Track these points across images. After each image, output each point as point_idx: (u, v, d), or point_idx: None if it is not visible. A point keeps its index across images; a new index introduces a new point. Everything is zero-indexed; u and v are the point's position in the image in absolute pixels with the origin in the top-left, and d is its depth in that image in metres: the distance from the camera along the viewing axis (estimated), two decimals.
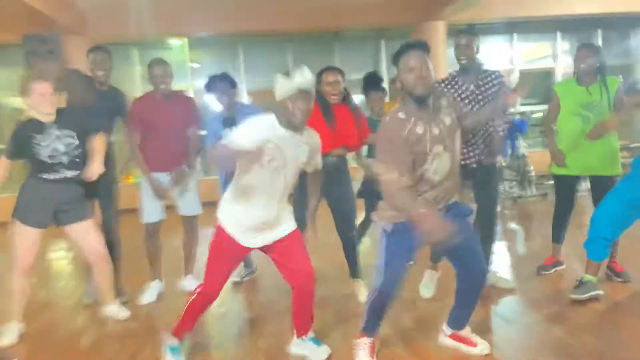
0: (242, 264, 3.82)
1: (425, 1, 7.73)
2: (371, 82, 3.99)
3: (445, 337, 2.67)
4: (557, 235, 3.74)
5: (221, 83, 3.63)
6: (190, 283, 3.68)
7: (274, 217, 2.46)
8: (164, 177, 3.56)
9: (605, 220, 3.04)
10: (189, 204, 3.70)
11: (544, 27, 9.32)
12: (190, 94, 8.39)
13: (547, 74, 9.64)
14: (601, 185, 3.40)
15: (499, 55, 9.52)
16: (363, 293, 3.26)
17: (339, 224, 3.43)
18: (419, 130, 2.24)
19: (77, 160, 3.11)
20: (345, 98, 3.40)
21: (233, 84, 3.70)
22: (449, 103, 2.38)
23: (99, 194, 3.52)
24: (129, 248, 3.86)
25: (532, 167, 6.91)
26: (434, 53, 7.66)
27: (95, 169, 3.12)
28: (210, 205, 3.92)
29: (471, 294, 2.52)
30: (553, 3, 8.30)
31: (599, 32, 9.46)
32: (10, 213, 3.07)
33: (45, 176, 3.05)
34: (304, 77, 2.28)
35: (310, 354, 2.61)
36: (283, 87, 2.30)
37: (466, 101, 3.15)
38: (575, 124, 3.43)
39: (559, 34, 9.43)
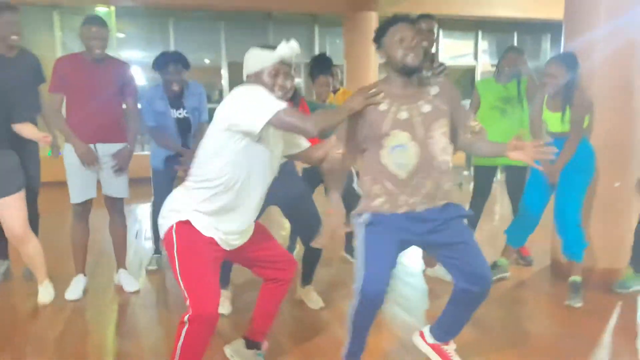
0: None
1: None
2: (320, 65, 3.67)
3: (420, 340, 2.33)
4: (474, 221, 4.10)
5: (175, 64, 3.40)
6: (125, 278, 3.41)
7: (249, 210, 2.04)
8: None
9: (526, 214, 3.39)
10: (115, 184, 3.26)
11: (467, 26, 9.88)
12: None
13: (469, 71, 10.25)
14: (514, 175, 3.81)
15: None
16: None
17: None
18: (383, 106, 2.00)
19: None
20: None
21: (186, 66, 3.47)
22: (443, 91, 2.07)
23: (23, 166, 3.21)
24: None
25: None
26: (365, 44, 8.04)
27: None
28: (139, 182, 3.88)
29: (468, 304, 2.11)
30: (476, 4, 8.84)
31: (515, 34, 10.19)
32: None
33: None
34: (290, 47, 1.93)
35: None
36: (260, 58, 1.96)
37: None
38: (495, 117, 3.78)
39: (480, 33, 10.03)
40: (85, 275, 3.36)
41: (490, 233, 4.57)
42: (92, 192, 3.24)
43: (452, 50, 10.16)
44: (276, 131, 1.95)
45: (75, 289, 3.24)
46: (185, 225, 1.93)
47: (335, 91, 4.07)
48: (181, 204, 1.98)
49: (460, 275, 2.05)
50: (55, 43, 7.82)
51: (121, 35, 8.64)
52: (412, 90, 2.04)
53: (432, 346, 2.28)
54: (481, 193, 4.00)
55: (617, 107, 3.33)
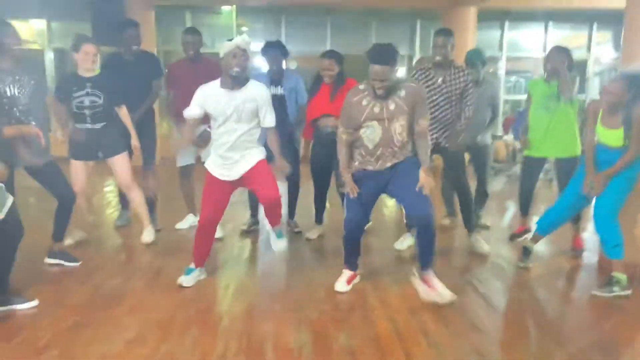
0: (249, 215, 4.56)
1: None
2: (377, 55, 4.13)
3: (413, 276, 3.17)
4: (523, 207, 4.37)
5: (274, 50, 4.14)
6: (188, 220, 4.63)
7: (238, 156, 3.13)
8: None
9: (557, 213, 3.60)
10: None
11: (581, 18, 9.45)
12: None
13: (581, 64, 9.80)
14: (564, 166, 3.98)
15: (532, 42, 9.73)
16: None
17: (336, 181, 4.06)
18: (364, 102, 2.98)
19: (100, 115, 3.85)
20: (338, 77, 3.95)
21: (284, 53, 4.20)
22: (408, 94, 2.95)
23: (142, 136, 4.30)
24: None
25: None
26: (463, 39, 8.32)
27: (135, 143, 4.00)
28: None
29: (422, 235, 3.04)
30: None
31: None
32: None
33: (78, 125, 3.85)
34: (242, 39, 2.97)
35: (271, 239, 3.48)
36: (226, 46, 2.96)
37: (433, 92, 3.73)
38: (540, 113, 4.01)
39: (595, 25, 9.53)
40: (195, 215, 4.48)
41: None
42: (191, 159, 4.38)
43: (563, 42, 9.73)
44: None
45: (186, 223, 4.59)
46: (207, 172, 3.26)
47: None
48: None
49: (405, 206, 3.22)
50: None
51: (245, 29, 9.72)
52: (386, 93, 2.93)
53: (421, 277, 3.12)
54: (526, 180, 4.23)
55: None
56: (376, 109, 2.99)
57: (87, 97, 3.79)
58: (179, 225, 4.57)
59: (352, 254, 3.30)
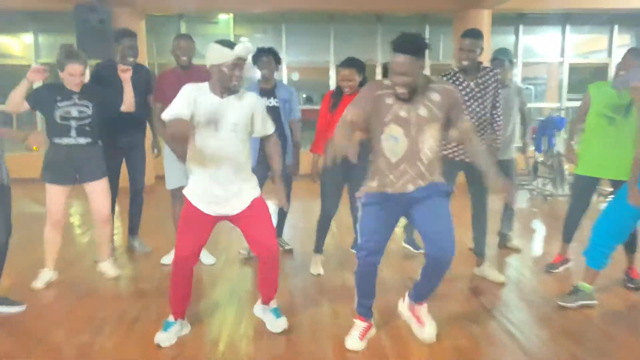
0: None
1: None
2: None
3: (402, 305, 2.83)
4: (567, 234, 3.74)
5: (266, 57, 3.83)
6: (204, 255, 3.96)
7: (234, 188, 2.56)
8: None
9: (606, 229, 3.01)
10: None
11: (600, 20, 8.89)
12: None
13: (601, 69, 9.23)
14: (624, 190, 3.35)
15: (549, 47, 9.19)
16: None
17: (350, 200, 3.73)
18: (389, 100, 2.41)
19: (87, 129, 3.40)
20: (361, 87, 3.57)
21: (277, 60, 3.91)
22: (443, 97, 2.42)
23: (130, 159, 4.05)
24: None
25: (567, 166, 6.72)
26: None
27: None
28: None
29: (433, 270, 2.52)
30: None
31: None
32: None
33: (57, 140, 3.36)
34: (245, 47, 2.41)
35: (268, 323, 2.82)
36: (222, 54, 2.41)
37: (467, 98, 3.31)
38: (600, 124, 3.40)
39: (616, 28, 8.97)
40: None
41: None
42: (183, 181, 3.69)
43: (582, 46, 9.23)
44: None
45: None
46: (186, 200, 2.64)
47: None
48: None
49: (426, 242, 2.48)
50: None
51: (244, 39, 9.20)
52: (413, 93, 2.37)
53: (410, 308, 2.77)
54: (578, 204, 3.64)
55: None
56: (402, 113, 2.40)
57: (74, 107, 3.35)
58: (165, 260, 3.97)
59: (366, 296, 2.67)
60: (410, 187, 2.47)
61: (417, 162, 2.44)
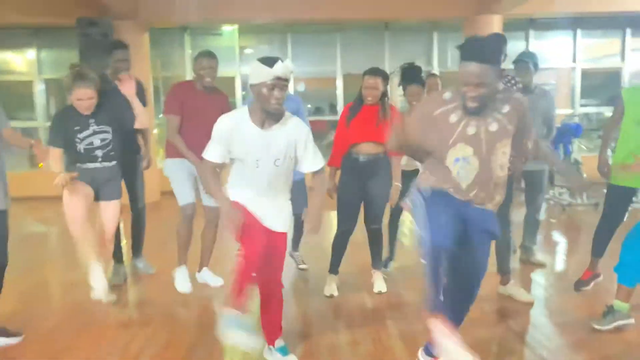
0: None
1: None
2: (410, 75, 3.85)
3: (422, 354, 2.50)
4: (599, 248, 3.51)
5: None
6: (206, 276, 3.77)
7: (270, 208, 2.45)
8: (188, 163, 3.54)
9: (638, 244, 2.80)
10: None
11: (612, 23, 8.71)
12: (237, 79, 8.52)
13: (614, 74, 9.02)
14: None
15: (561, 52, 9.00)
16: (379, 284, 3.62)
17: (366, 216, 3.61)
18: (453, 118, 2.16)
19: (112, 153, 3.29)
20: (382, 98, 3.50)
21: None
22: (513, 109, 2.19)
23: (128, 178, 3.82)
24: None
25: (585, 174, 6.49)
26: None
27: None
28: None
29: (452, 308, 2.25)
30: None
31: None
32: None
33: (82, 166, 3.23)
34: (285, 67, 2.25)
35: None
36: (261, 72, 2.25)
37: None
38: (636, 132, 3.17)
39: (628, 31, 8.77)
40: (186, 266, 3.70)
41: None
42: (193, 197, 3.63)
43: (594, 51, 9.04)
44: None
45: (179, 281, 3.65)
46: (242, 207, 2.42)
47: None
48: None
49: (452, 277, 2.20)
50: (186, 62, 8.46)
51: (249, 50, 9.11)
52: (484, 106, 2.12)
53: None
54: (612, 216, 3.41)
55: None
56: (470, 130, 2.15)
57: (95, 136, 3.22)
58: (181, 287, 3.62)
59: (439, 282, 2.16)
60: (477, 203, 2.22)
61: (489, 184, 2.20)
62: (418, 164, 3.40)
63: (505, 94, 2.22)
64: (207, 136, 3.35)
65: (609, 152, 3.50)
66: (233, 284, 2.29)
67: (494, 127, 2.16)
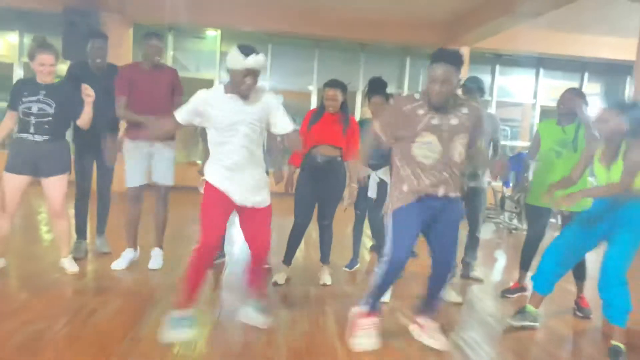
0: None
1: (449, 25, 7.88)
2: (374, 87, 4.06)
3: (413, 325, 2.98)
4: (525, 262, 3.89)
5: None
6: (157, 254, 3.99)
7: (250, 180, 2.72)
8: (146, 146, 3.79)
9: (555, 257, 3.16)
10: (162, 172, 3.89)
11: (572, 66, 9.34)
12: (217, 82, 8.76)
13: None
14: (570, 220, 3.52)
15: (523, 88, 9.58)
16: (325, 277, 3.92)
17: (318, 212, 3.90)
18: (420, 112, 2.61)
19: (46, 127, 3.45)
20: (342, 107, 3.83)
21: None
22: (471, 112, 2.66)
23: (100, 160, 4.04)
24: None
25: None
26: None
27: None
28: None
29: (435, 282, 2.82)
30: (581, 44, 8.34)
31: (628, 78, 9.40)
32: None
33: (19, 135, 3.45)
34: (257, 61, 2.58)
35: (248, 314, 2.97)
36: (237, 60, 2.57)
37: None
38: (549, 158, 3.61)
39: (586, 75, 9.41)
40: (135, 249, 4.00)
41: None
42: (145, 179, 3.87)
43: (554, 91, 9.64)
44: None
45: (123, 261, 3.90)
46: (210, 186, 2.74)
47: None
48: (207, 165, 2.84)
49: (435, 256, 2.79)
50: (167, 62, 8.67)
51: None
52: (446, 103, 2.59)
53: (418, 324, 2.94)
54: (534, 233, 3.81)
55: None
56: (435, 121, 2.61)
57: (36, 104, 3.41)
58: (115, 265, 3.87)
59: (383, 292, 2.90)
60: (441, 191, 2.65)
61: (450, 165, 2.64)
62: (370, 170, 3.75)
63: (465, 100, 2.73)
64: (155, 110, 3.62)
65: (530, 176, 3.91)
66: (185, 279, 2.61)
67: (454, 121, 2.62)
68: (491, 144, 4.33)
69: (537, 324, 3.26)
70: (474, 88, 4.10)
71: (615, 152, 2.90)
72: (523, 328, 3.22)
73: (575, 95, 3.58)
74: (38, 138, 3.44)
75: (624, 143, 2.87)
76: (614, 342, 2.89)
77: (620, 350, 2.85)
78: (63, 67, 4.05)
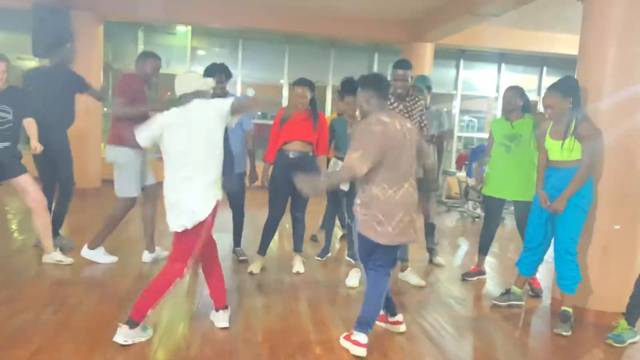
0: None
1: (415, 23, 8.17)
2: (347, 87, 4.23)
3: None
4: (483, 247, 4.22)
5: (219, 72, 4.06)
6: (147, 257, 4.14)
7: (194, 193, 2.71)
8: (140, 153, 3.86)
9: (534, 243, 3.50)
10: (149, 174, 4.06)
11: (532, 61, 9.77)
12: None
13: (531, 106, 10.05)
14: (521, 208, 3.88)
15: (486, 82, 9.98)
16: (298, 266, 4.12)
17: (292, 205, 4.11)
18: (397, 125, 2.77)
19: (7, 133, 3.60)
20: (311, 104, 4.01)
21: (228, 75, 4.18)
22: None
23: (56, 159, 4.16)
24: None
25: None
26: (420, 72, 8.48)
27: (35, 145, 3.64)
28: None
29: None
30: (540, 40, 8.75)
31: None
32: None
33: None
34: (205, 83, 2.87)
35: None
36: (185, 84, 2.85)
37: None
38: (500, 152, 3.93)
39: (545, 69, 9.87)
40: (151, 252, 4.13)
41: (510, 263, 4.61)
42: (139, 189, 3.97)
43: (515, 84, 10.05)
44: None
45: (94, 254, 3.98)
46: None
47: None
48: None
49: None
50: None
51: (202, 52, 9.47)
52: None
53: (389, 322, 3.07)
54: (490, 221, 4.14)
55: (626, 149, 3.35)
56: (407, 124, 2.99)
57: None
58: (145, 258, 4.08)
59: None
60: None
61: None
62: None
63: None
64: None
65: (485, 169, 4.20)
66: (150, 296, 2.62)
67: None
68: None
69: (522, 302, 3.63)
70: (423, 87, 4.44)
71: (565, 129, 3.20)
72: (510, 307, 3.58)
73: (513, 93, 3.89)
74: (0, 145, 3.59)
75: (573, 120, 3.17)
76: (563, 308, 3.26)
77: (569, 313, 3.24)
78: (32, 64, 4.19)
